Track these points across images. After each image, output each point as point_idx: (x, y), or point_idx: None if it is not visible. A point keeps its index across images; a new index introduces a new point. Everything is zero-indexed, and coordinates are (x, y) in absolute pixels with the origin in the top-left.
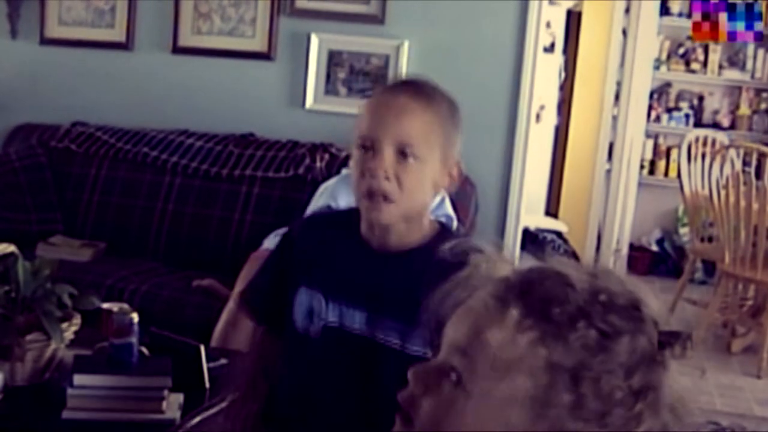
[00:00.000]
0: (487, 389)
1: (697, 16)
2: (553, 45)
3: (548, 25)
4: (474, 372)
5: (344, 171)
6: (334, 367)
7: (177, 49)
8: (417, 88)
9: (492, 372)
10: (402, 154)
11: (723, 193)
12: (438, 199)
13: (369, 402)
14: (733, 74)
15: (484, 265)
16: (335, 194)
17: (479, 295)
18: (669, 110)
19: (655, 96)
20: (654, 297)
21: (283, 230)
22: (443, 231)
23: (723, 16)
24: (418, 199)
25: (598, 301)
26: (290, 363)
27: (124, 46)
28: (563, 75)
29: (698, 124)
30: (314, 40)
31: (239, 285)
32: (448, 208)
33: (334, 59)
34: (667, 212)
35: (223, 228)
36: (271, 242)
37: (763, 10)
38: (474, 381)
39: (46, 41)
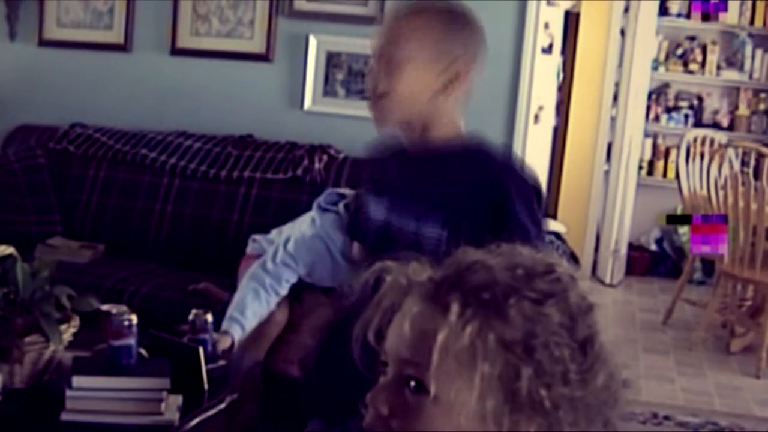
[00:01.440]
0: (451, 386)
1: (696, 17)
2: (551, 46)
3: (546, 26)
4: (431, 374)
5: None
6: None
7: (175, 51)
8: (409, 5)
9: (452, 369)
10: (388, 63)
11: (722, 193)
12: None
13: None
14: (731, 75)
15: (400, 275)
16: (330, 234)
17: (409, 302)
18: (668, 110)
19: (654, 96)
20: (559, 257)
21: (257, 235)
22: (475, 147)
23: (723, 16)
24: (408, 97)
25: (519, 275)
26: None
27: (122, 47)
28: (562, 76)
29: (697, 124)
30: (312, 42)
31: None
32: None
33: (332, 61)
34: (666, 212)
35: (221, 229)
36: (250, 248)
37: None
38: (435, 382)
39: (44, 43)
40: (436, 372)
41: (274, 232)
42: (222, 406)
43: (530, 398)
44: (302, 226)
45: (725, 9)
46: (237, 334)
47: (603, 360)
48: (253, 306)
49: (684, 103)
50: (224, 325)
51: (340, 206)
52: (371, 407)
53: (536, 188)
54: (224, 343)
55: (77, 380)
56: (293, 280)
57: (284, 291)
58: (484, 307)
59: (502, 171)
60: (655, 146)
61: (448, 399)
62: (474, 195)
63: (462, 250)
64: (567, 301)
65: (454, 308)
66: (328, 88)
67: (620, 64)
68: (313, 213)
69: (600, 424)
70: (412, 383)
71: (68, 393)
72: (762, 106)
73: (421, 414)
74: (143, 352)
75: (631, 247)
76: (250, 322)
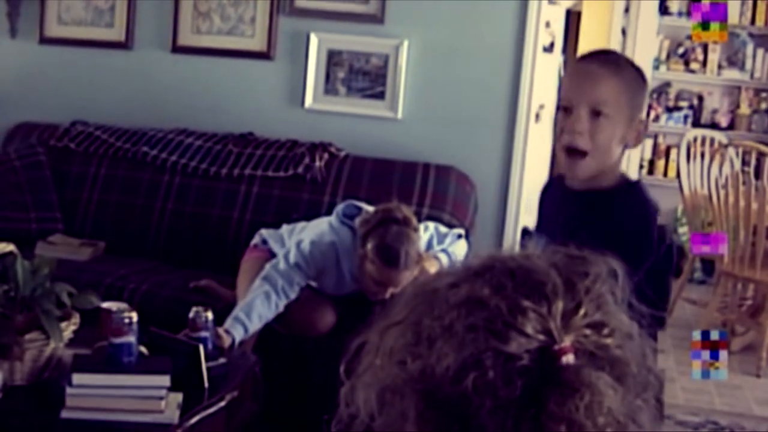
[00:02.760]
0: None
1: (697, 16)
2: (552, 45)
3: (548, 24)
4: None
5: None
6: None
7: (176, 49)
8: (607, 56)
9: None
10: (594, 114)
11: (722, 192)
12: (427, 236)
13: None
14: (732, 74)
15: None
16: (347, 248)
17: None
18: (668, 110)
19: (655, 95)
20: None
21: (266, 230)
22: (629, 182)
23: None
24: (607, 153)
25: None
26: None
27: (123, 45)
28: (563, 75)
29: (697, 123)
30: (314, 40)
31: (239, 291)
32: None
33: (333, 59)
34: (667, 212)
35: (222, 227)
36: (257, 239)
37: (762, 9)
38: None
39: (45, 40)
40: None
41: (285, 228)
42: (222, 403)
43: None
44: (317, 229)
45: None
46: (239, 335)
47: None
48: (261, 309)
49: (685, 103)
50: (227, 324)
51: (357, 221)
52: None
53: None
54: (224, 342)
55: (77, 378)
56: (303, 283)
57: (294, 295)
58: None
59: (639, 217)
60: (655, 145)
61: None
62: (615, 238)
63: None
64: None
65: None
66: (329, 86)
67: None
68: (332, 219)
69: None
70: None
71: (68, 390)
72: (763, 106)
73: None
74: (143, 349)
75: None
76: (255, 325)
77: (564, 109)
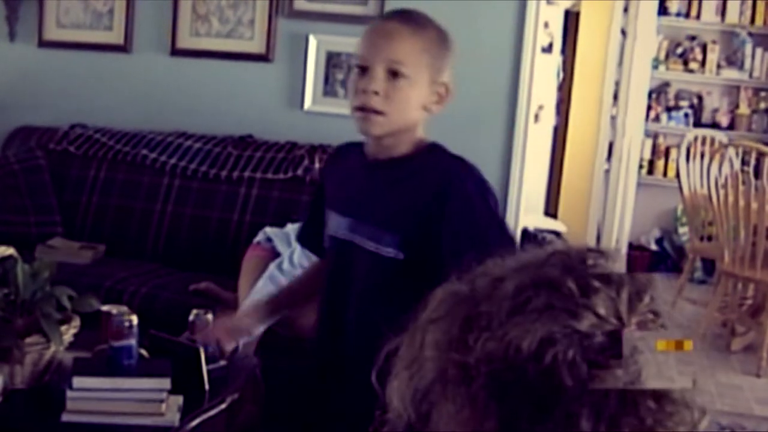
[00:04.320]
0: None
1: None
2: (551, 45)
3: (546, 25)
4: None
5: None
6: (330, 273)
7: (175, 51)
8: (406, 15)
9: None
10: (392, 74)
11: (722, 192)
12: None
13: (348, 304)
14: (731, 73)
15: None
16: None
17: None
18: (668, 110)
19: (654, 96)
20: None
21: (270, 228)
22: (433, 147)
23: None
24: (405, 114)
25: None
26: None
27: (122, 48)
28: (562, 75)
29: (697, 123)
30: (312, 42)
31: (240, 289)
32: None
33: (332, 61)
34: (667, 212)
35: (221, 229)
36: (260, 237)
37: (762, 9)
38: None
39: (44, 44)
40: None
41: (290, 227)
42: (223, 406)
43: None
44: None
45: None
46: (243, 339)
47: None
48: None
49: (684, 102)
50: None
51: None
52: None
53: (487, 190)
54: (229, 346)
55: (78, 381)
56: None
57: None
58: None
59: (454, 174)
60: (655, 145)
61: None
62: (430, 204)
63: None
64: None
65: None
66: (328, 88)
67: (620, 63)
68: None
69: None
70: None
71: (69, 394)
72: (762, 105)
73: None
74: (144, 352)
75: (632, 246)
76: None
77: (359, 68)
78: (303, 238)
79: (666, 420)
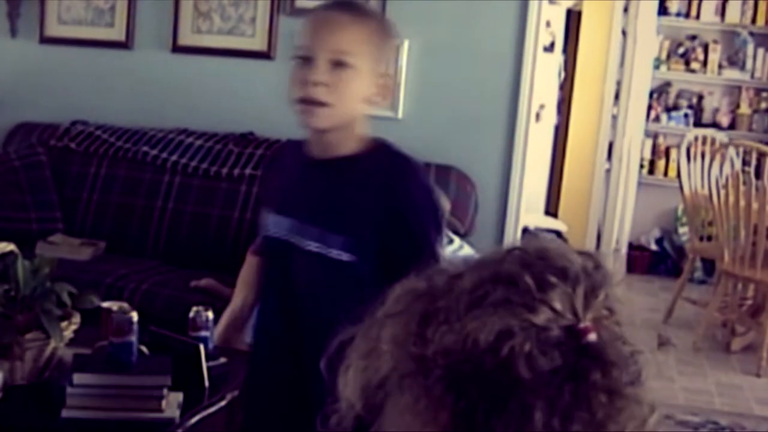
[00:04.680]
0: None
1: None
2: (552, 44)
3: (548, 24)
4: None
5: None
6: (269, 276)
7: (177, 48)
8: (348, 5)
9: None
10: (335, 63)
11: (722, 192)
12: (456, 245)
13: (291, 309)
14: (732, 74)
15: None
16: None
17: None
18: (668, 110)
19: (655, 95)
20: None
21: None
22: (379, 145)
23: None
24: (350, 106)
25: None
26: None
27: (123, 45)
28: (563, 74)
29: (698, 123)
30: None
31: (239, 285)
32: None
33: None
34: (667, 212)
35: (222, 227)
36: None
37: (763, 9)
38: None
39: (45, 40)
40: None
41: None
42: (223, 403)
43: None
44: None
45: None
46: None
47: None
48: None
49: (685, 102)
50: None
51: None
52: None
53: (431, 191)
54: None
55: (78, 377)
56: None
57: None
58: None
59: (399, 173)
60: (655, 145)
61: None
62: (375, 204)
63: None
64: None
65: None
66: None
67: (622, 63)
68: None
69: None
70: None
71: (69, 390)
72: (763, 105)
73: None
74: (144, 349)
75: (632, 246)
76: None
77: (302, 59)
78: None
79: (616, 415)
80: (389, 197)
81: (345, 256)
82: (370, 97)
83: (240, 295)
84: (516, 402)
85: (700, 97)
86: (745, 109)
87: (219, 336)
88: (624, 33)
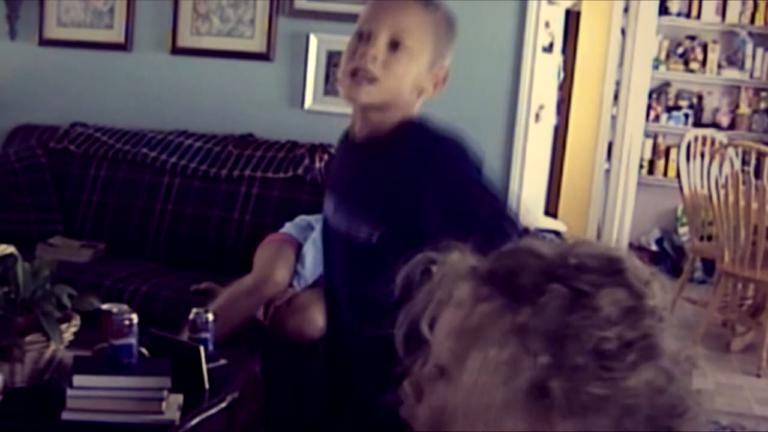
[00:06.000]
0: (463, 368)
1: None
2: (551, 45)
3: (547, 24)
4: (445, 355)
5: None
6: (325, 255)
7: (176, 50)
8: None
9: (462, 349)
10: (393, 45)
11: (722, 192)
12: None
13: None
14: (732, 73)
15: (447, 266)
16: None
17: (456, 294)
18: (668, 110)
19: (654, 95)
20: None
21: (301, 217)
22: (414, 125)
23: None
24: (398, 86)
25: (568, 264)
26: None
27: (122, 47)
28: (562, 75)
29: (697, 123)
30: (313, 41)
31: (256, 267)
32: None
33: (333, 59)
34: (667, 212)
35: (222, 228)
36: (290, 229)
37: (762, 9)
38: (448, 363)
39: (45, 42)
40: (449, 352)
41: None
42: (223, 405)
43: (542, 390)
44: None
45: None
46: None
47: (651, 358)
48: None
49: (684, 102)
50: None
51: None
52: (406, 393)
53: (465, 161)
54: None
55: (78, 379)
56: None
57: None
58: (507, 291)
59: (421, 151)
60: (655, 145)
61: (459, 384)
62: (398, 183)
63: (526, 240)
64: (616, 296)
65: (467, 289)
66: (328, 87)
67: (621, 63)
68: None
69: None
70: (443, 372)
71: (69, 392)
72: (763, 105)
73: (438, 397)
74: (144, 351)
75: (632, 246)
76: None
77: (360, 35)
78: None
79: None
80: (414, 175)
81: (370, 237)
82: (422, 86)
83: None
84: None
85: (700, 97)
86: (744, 109)
87: (216, 304)
88: (623, 33)
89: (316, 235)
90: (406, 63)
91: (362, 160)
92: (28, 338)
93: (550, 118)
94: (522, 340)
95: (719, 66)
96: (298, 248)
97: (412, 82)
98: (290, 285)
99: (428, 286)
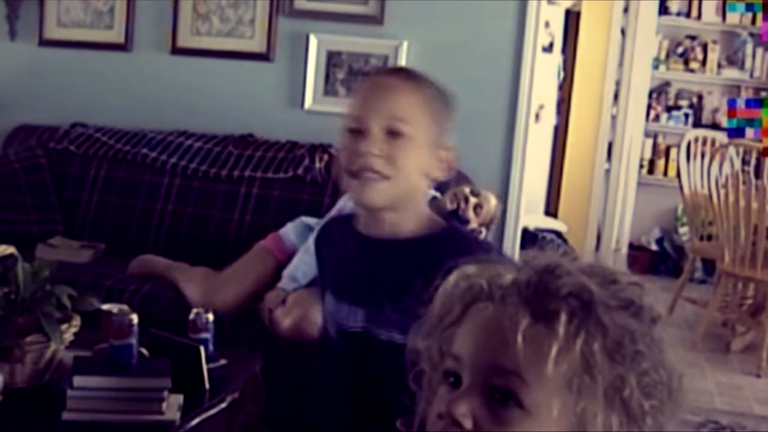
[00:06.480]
0: (553, 400)
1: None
2: (551, 44)
3: (547, 24)
4: (532, 386)
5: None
6: (344, 368)
7: (176, 50)
8: (405, 72)
9: (559, 381)
10: (391, 133)
11: (722, 192)
12: None
13: (363, 398)
14: (732, 73)
15: (479, 279)
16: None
17: (502, 310)
18: (668, 109)
19: (654, 95)
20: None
21: (299, 219)
22: (446, 228)
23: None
24: (409, 179)
25: (601, 281)
26: (324, 362)
27: (122, 47)
28: (562, 74)
29: (697, 123)
30: (313, 41)
31: (225, 273)
32: None
33: (333, 60)
34: (667, 211)
35: (222, 228)
36: (290, 231)
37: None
38: (537, 395)
39: (45, 42)
40: (542, 384)
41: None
42: (223, 405)
43: (638, 407)
44: None
45: None
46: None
47: (669, 368)
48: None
49: (684, 102)
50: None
51: None
52: (447, 417)
53: None
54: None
55: (78, 380)
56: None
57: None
58: (585, 316)
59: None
60: (655, 145)
61: (548, 413)
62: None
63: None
64: (643, 309)
65: (563, 318)
66: (328, 87)
67: (621, 63)
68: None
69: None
70: (497, 394)
71: (69, 392)
72: None
73: (510, 427)
74: (144, 351)
75: (632, 246)
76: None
77: (352, 131)
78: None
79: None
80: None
81: (397, 338)
82: (429, 171)
83: (232, 285)
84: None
85: (700, 97)
86: None
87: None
88: (623, 33)
89: (311, 242)
90: (408, 151)
91: (381, 258)
92: (29, 339)
93: (550, 118)
94: (613, 363)
95: (719, 66)
96: (291, 254)
97: (418, 168)
98: (280, 287)
99: (445, 301)
